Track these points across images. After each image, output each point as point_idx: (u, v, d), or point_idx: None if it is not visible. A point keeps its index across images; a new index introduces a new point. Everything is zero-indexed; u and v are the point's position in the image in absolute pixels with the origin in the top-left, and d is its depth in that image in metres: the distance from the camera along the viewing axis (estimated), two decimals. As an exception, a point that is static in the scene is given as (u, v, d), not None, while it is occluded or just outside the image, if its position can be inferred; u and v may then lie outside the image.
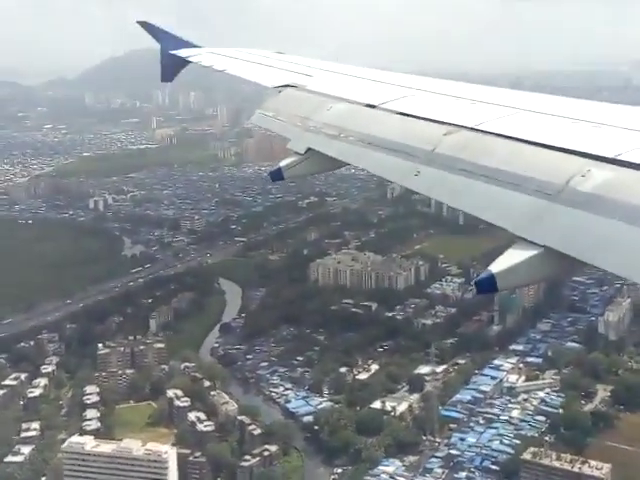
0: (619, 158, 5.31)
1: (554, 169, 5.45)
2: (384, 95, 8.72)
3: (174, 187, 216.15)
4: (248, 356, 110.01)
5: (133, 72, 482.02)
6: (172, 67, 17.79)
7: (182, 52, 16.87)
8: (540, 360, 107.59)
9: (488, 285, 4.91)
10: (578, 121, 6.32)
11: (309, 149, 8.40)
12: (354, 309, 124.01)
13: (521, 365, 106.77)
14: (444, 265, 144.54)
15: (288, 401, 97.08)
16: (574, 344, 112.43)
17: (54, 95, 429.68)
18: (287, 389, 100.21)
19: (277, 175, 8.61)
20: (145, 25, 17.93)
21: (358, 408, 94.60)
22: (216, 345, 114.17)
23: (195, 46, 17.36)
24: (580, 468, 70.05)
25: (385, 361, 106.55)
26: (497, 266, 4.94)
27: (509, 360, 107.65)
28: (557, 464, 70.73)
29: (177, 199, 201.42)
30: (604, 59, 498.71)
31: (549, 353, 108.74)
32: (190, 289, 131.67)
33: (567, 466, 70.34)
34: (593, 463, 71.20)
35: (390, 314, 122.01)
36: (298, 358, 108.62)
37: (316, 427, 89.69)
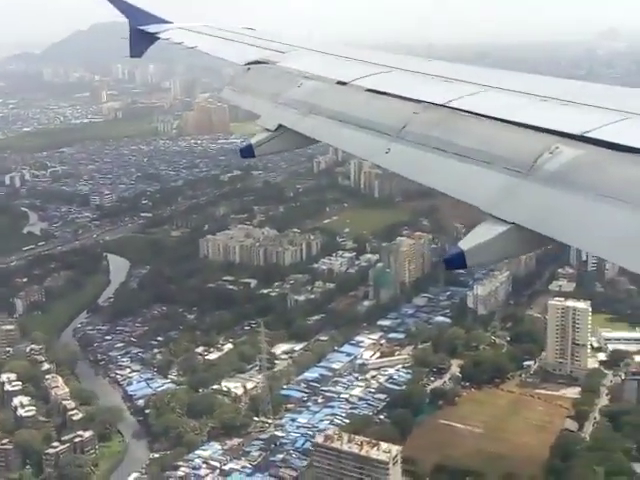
0: (587, 135, 5.35)
1: (523, 147, 5.50)
2: (355, 72, 8.67)
3: (101, 162, 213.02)
4: (107, 337, 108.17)
5: (97, 46, 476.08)
6: (141, 43, 17.28)
7: (151, 28, 16.47)
8: (403, 336, 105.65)
9: (457, 262, 4.95)
10: (546, 99, 6.38)
11: (280, 126, 8.33)
12: (231, 286, 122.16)
13: (383, 341, 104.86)
14: (341, 240, 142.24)
15: (130, 384, 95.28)
16: (444, 319, 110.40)
17: (15, 69, 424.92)
18: (134, 371, 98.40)
19: (248, 152, 8.47)
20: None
21: (201, 390, 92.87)
22: (79, 326, 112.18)
23: (165, 21, 16.93)
24: (368, 451, 68.24)
25: (243, 340, 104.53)
26: (466, 243, 4.98)
27: (371, 336, 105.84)
28: (346, 447, 68.88)
29: (99, 174, 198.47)
30: (569, 30, 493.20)
31: (412, 329, 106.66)
32: (72, 267, 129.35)
33: (356, 449, 68.55)
34: (384, 446, 69.43)
35: (266, 291, 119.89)
36: (158, 338, 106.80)
37: (147, 411, 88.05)
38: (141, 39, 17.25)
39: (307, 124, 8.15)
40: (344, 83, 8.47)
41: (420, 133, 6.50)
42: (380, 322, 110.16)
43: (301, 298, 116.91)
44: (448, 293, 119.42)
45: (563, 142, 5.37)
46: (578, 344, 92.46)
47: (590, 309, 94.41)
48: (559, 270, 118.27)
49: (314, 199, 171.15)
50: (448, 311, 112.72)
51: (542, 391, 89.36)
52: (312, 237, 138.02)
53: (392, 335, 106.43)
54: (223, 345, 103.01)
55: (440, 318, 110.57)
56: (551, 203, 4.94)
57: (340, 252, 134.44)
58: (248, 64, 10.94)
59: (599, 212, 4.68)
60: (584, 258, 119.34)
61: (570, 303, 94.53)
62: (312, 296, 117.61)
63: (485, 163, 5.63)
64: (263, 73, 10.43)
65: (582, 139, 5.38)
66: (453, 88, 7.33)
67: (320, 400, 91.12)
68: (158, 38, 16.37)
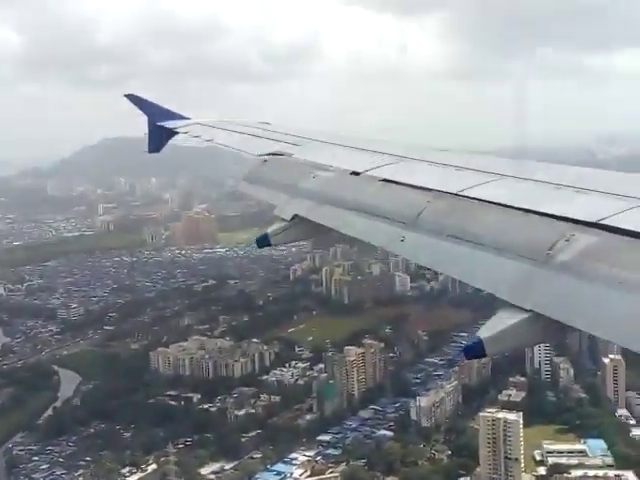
0: (602, 222, 5.39)
1: (538, 234, 5.53)
2: (369, 162, 8.92)
3: (80, 274, 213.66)
4: (35, 458, 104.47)
5: (104, 160, 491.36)
6: (159, 138, 17.64)
7: (169, 123, 17.07)
8: (339, 452, 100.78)
9: (476, 350, 4.92)
10: (560, 186, 6.47)
11: (295, 216, 8.51)
12: (173, 401, 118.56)
13: (318, 458, 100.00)
14: (299, 349, 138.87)
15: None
16: (387, 432, 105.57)
17: (23, 184, 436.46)
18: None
19: (264, 241, 8.64)
20: (132, 98, 17.90)
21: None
22: (10, 446, 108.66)
23: (182, 117, 17.47)
24: None
25: (171, 459, 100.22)
26: (485, 331, 4.94)
27: (307, 453, 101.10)
28: None
29: (74, 287, 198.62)
30: (567, 135, 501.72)
31: (348, 444, 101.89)
32: (20, 383, 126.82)
33: None
34: None
35: (207, 406, 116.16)
36: (87, 458, 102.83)
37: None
38: (160, 135, 17.59)
39: (322, 213, 8.30)
40: (358, 173, 8.66)
41: (434, 221, 6.56)
42: (320, 437, 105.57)
43: (242, 413, 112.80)
44: (397, 404, 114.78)
45: (579, 229, 5.36)
46: (510, 458, 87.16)
47: (521, 420, 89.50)
48: (510, 379, 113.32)
49: (283, 307, 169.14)
50: (393, 424, 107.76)
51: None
52: (266, 347, 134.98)
53: (329, 451, 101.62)
54: (147, 465, 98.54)
55: (383, 432, 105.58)
56: (569, 290, 4.90)
57: (294, 362, 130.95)
58: (264, 156, 11.13)
59: (617, 299, 4.61)
60: (537, 366, 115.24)
61: (501, 414, 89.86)
62: (253, 410, 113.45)
63: (500, 250, 5.61)
64: (278, 165, 10.62)
65: (598, 226, 5.37)
66: (466, 177, 7.43)
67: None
68: (176, 133, 16.82)
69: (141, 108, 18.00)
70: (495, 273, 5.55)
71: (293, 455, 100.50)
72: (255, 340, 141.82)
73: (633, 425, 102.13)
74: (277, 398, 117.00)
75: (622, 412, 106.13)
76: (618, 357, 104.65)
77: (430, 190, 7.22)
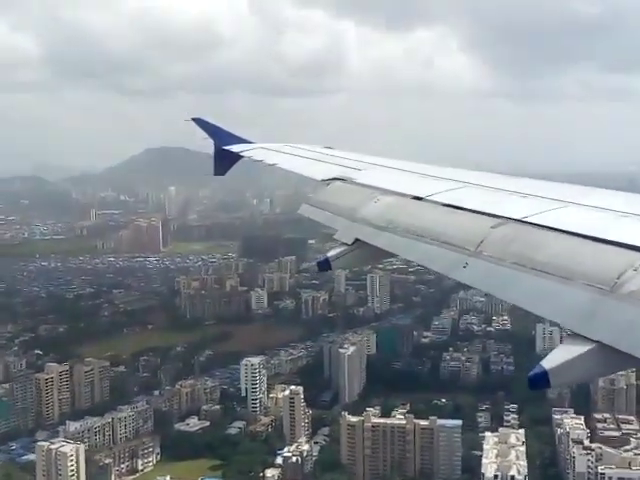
0: None
1: (605, 263, 5.39)
2: (430, 188, 8.96)
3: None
4: None
5: (147, 170, 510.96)
6: (224, 162, 18.45)
7: (235, 147, 17.82)
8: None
9: (541, 381, 4.78)
10: (627, 214, 6.36)
11: (356, 240, 8.63)
12: None
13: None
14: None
15: None
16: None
17: (61, 189, 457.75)
18: None
19: (324, 265, 8.69)
20: (198, 121, 18.85)
21: None
22: None
23: (247, 142, 18.17)
24: None
25: None
26: (550, 362, 4.81)
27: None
28: None
29: None
30: (610, 160, 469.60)
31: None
32: None
33: None
34: None
35: None
36: None
37: None
38: (225, 159, 18.14)
39: (384, 238, 8.19)
40: (420, 198, 8.60)
41: (498, 248, 6.45)
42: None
43: None
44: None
45: None
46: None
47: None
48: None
49: (124, 320, 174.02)
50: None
51: None
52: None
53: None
54: None
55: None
56: (638, 321, 4.75)
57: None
58: (326, 180, 11.25)
59: None
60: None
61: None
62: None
63: (565, 279, 5.47)
64: (340, 189, 10.67)
65: None
66: (530, 203, 7.37)
67: None
68: (241, 157, 17.23)
69: (206, 131, 18.53)
70: (561, 302, 5.40)
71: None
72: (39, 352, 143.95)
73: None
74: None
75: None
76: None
77: (493, 216, 7.08)
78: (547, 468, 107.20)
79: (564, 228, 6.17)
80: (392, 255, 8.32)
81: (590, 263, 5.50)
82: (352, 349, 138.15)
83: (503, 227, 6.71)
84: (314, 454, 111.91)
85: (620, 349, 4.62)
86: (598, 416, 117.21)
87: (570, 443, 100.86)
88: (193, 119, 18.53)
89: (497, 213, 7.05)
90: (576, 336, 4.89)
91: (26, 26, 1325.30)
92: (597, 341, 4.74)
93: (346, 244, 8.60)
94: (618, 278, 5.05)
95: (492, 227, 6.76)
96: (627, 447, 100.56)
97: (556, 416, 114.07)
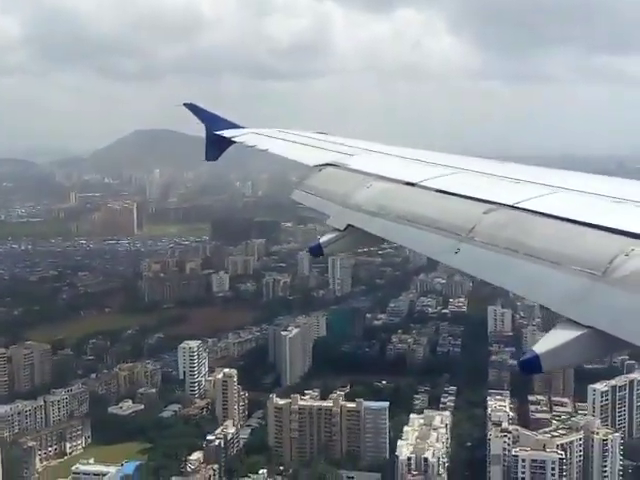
0: None
1: (597, 248, 5.39)
2: (423, 173, 8.96)
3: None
4: None
5: (136, 152, 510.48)
6: (216, 147, 18.37)
7: (227, 132, 17.76)
8: None
9: (533, 366, 4.84)
10: (620, 200, 6.36)
11: (349, 226, 8.64)
12: None
13: None
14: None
15: None
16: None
17: (47, 172, 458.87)
18: None
19: (316, 250, 8.70)
20: (190, 106, 18.76)
21: None
22: None
23: (239, 127, 18.15)
24: None
25: None
26: (541, 347, 4.84)
27: None
28: None
29: None
30: (601, 144, 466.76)
31: None
32: None
33: None
34: None
35: None
36: None
37: None
38: (217, 144, 18.07)
39: (376, 224, 8.21)
40: (413, 184, 8.57)
41: (490, 233, 6.47)
42: None
43: None
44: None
45: (639, 244, 5.21)
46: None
47: None
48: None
49: (82, 302, 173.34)
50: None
51: None
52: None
53: None
54: None
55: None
56: (629, 306, 4.77)
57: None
58: (318, 166, 11.18)
59: None
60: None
61: None
62: None
63: (557, 264, 5.48)
64: (333, 175, 10.62)
65: None
66: (523, 189, 7.37)
67: None
68: (233, 142, 17.23)
69: (198, 116, 18.41)
70: (552, 287, 5.42)
71: None
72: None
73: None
74: None
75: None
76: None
77: (486, 202, 7.09)
78: (473, 450, 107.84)
79: (556, 214, 6.17)
80: (384, 241, 8.38)
81: (582, 248, 5.52)
82: (295, 332, 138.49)
83: (495, 213, 6.73)
84: (244, 437, 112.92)
85: (612, 334, 4.64)
86: (532, 398, 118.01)
87: (489, 425, 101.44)
88: (185, 104, 18.33)
89: (489, 199, 7.06)
90: (568, 321, 4.91)
91: (11, 8, 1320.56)
92: (589, 326, 4.76)
93: (338, 230, 8.59)
94: (610, 263, 5.08)
95: (484, 213, 6.78)
96: (546, 429, 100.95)
97: (490, 399, 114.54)
